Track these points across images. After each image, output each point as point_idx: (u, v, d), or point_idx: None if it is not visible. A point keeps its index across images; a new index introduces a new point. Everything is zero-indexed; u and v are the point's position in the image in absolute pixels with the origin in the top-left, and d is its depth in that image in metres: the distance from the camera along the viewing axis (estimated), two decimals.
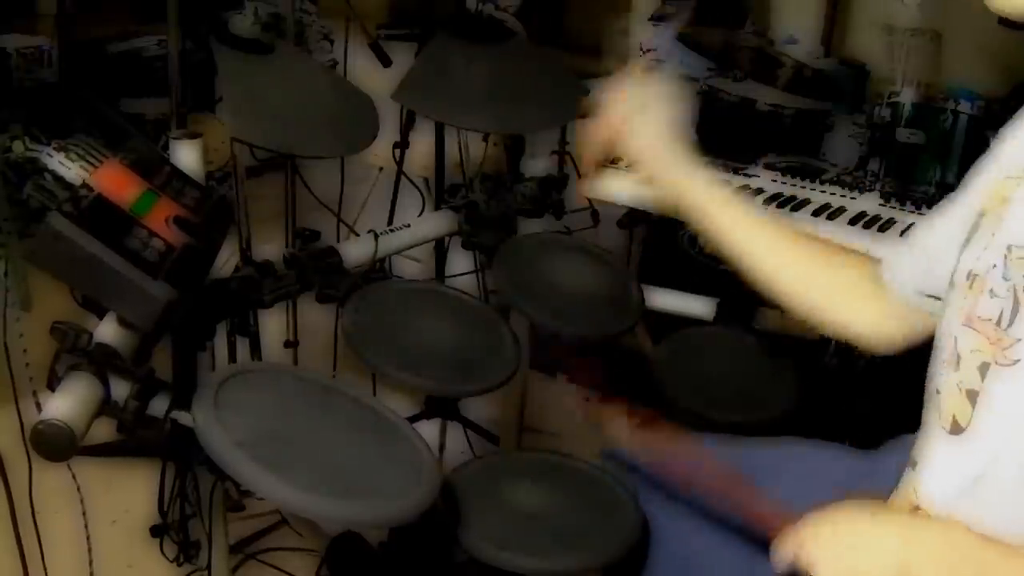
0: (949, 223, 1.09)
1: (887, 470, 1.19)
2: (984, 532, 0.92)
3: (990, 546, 0.89)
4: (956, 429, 0.96)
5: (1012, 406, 0.91)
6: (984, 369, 0.93)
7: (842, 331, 1.22)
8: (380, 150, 2.19)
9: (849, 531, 0.94)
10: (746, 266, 1.20)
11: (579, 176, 2.34)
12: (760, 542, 1.25)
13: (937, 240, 1.11)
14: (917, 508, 1.02)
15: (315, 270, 1.67)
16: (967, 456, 0.95)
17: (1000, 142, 1.09)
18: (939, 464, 0.99)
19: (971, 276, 1.00)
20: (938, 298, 1.08)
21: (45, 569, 1.76)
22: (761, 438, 1.42)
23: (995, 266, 0.95)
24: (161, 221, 1.33)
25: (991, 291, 0.95)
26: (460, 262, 2.58)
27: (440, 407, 2.54)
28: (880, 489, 1.16)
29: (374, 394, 1.89)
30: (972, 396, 0.95)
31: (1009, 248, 0.94)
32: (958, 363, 0.97)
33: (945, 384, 1.00)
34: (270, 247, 2.47)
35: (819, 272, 1.21)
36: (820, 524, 0.96)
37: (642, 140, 1.20)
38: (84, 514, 1.83)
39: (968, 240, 1.02)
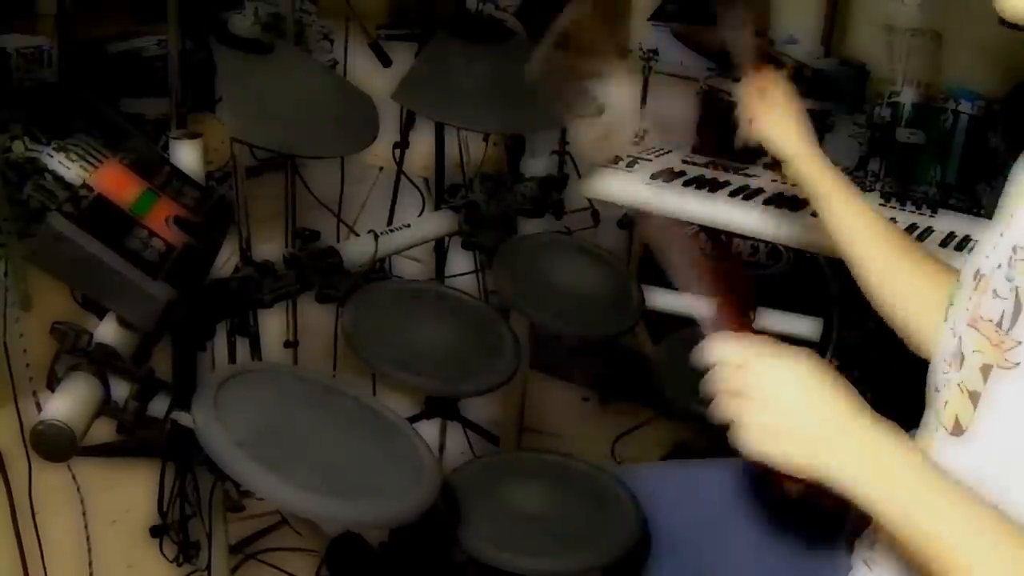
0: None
1: None
2: None
3: (933, 475, 0.82)
4: (957, 430, 0.96)
5: (1013, 409, 0.90)
6: (986, 371, 0.93)
7: (912, 341, 1.22)
8: (380, 150, 2.19)
9: (779, 385, 0.88)
10: (854, 260, 1.28)
11: (579, 176, 2.35)
12: (760, 542, 1.25)
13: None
14: None
15: (315, 270, 1.67)
16: (968, 458, 0.94)
17: None
18: (943, 465, 0.99)
19: (978, 275, 0.99)
20: None
21: (45, 569, 1.76)
22: None
23: (1000, 266, 0.95)
24: (161, 221, 1.33)
25: (994, 291, 0.95)
26: (460, 262, 2.58)
27: (440, 407, 2.54)
28: None
29: (374, 394, 1.89)
30: (974, 398, 0.94)
31: (1015, 249, 0.94)
32: (961, 363, 0.97)
33: (946, 384, 0.99)
34: (270, 247, 2.47)
35: (919, 284, 1.23)
36: (750, 359, 0.91)
37: (772, 123, 1.39)
38: (84, 514, 1.83)
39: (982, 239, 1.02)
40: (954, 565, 0.79)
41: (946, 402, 0.99)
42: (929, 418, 1.04)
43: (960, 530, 0.80)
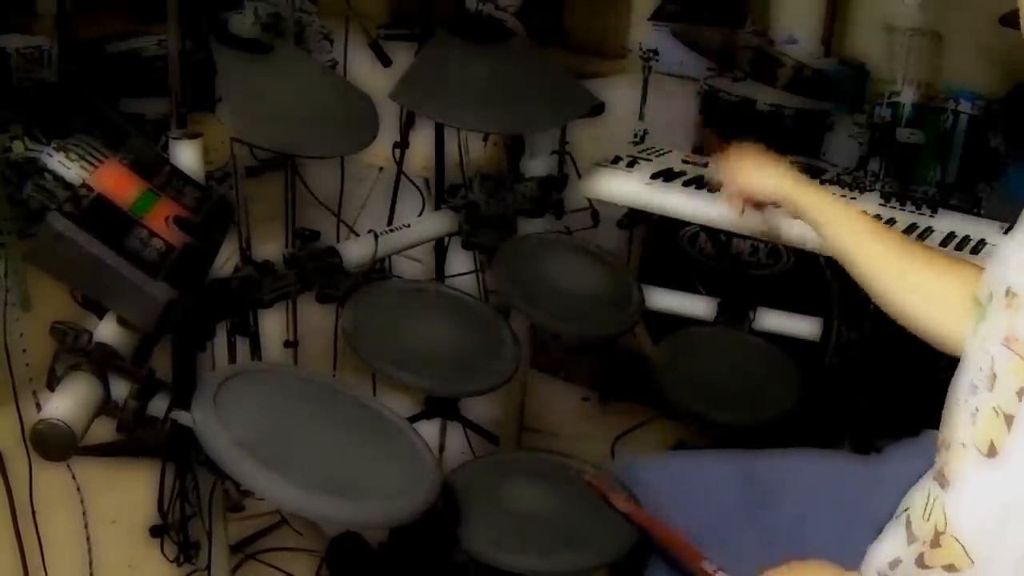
0: (1012, 240, 1.06)
1: (891, 477, 1.18)
2: (1011, 559, 0.90)
3: None
4: (992, 453, 0.94)
5: None
6: (1022, 394, 0.91)
7: (946, 344, 1.20)
8: (380, 150, 2.19)
9: None
10: (859, 272, 1.29)
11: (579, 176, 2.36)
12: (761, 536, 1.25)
13: (1002, 258, 1.07)
14: (942, 534, 0.99)
15: (315, 270, 1.67)
16: (1000, 481, 0.93)
17: None
18: (972, 488, 0.97)
19: (1010, 293, 0.97)
20: None
21: (45, 569, 1.76)
22: (767, 451, 1.41)
23: None
24: (161, 221, 1.33)
25: None
26: (460, 262, 2.58)
27: (440, 407, 2.54)
28: (885, 499, 1.15)
29: (374, 394, 1.89)
30: (1009, 420, 0.92)
31: None
32: (994, 383, 0.95)
33: (982, 404, 0.97)
34: (270, 247, 2.46)
35: (928, 284, 1.23)
36: None
37: (755, 184, 1.46)
38: (84, 514, 1.83)
39: (1011, 256, 1.01)
40: None
41: (976, 422, 0.97)
42: (958, 435, 1.01)
43: None
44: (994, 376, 0.95)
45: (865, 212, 1.37)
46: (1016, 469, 0.92)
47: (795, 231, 1.63)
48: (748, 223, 1.53)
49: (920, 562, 1.00)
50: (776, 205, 1.46)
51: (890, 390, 2.15)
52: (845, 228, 1.32)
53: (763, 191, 1.45)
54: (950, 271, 1.23)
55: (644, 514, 1.33)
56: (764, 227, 1.55)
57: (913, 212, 2.25)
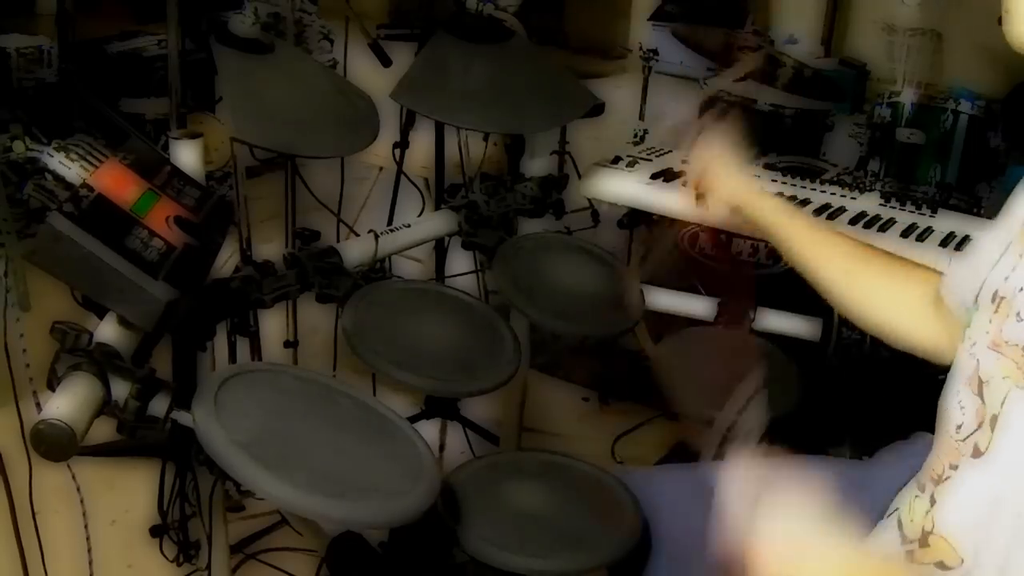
0: (991, 241, 1.06)
1: (882, 479, 1.18)
2: (998, 557, 0.91)
3: None
4: (976, 453, 0.95)
5: None
6: (1007, 395, 0.91)
7: (905, 344, 1.23)
8: (380, 150, 2.19)
9: (795, 554, 0.91)
10: (817, 280, 1.30)
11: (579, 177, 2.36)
12: None
13: (979, 258, 1.08)
14: (930, 533, 1.00)
15: (315, 270, 1.67)
16: (988, 480, 0.93)
17: None
18: (958, 488, 0.98)
19: (997, 298, 0.98)
20: None
21: (45, 569, 1.76)
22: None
23: (1022, 289, 0.93)
24: (161, 221, 1.33)
25: (1018, 314, 0.93)
26: (460, 262, 2.58)
27: (440, 407, 2.54)
28: (876, 501, 1.16)
29: (374, 394, 1.89)
30: (993, 422, 0.93)
31: None
32: (980, 385, 0.95)
33: (968, 405, 0.97)
34: (270, 247, 2.47)
35: (885, 288, 1.25)
36: (770, 541, 0.93)
37: (721, 176, 1.42)
38: (84, 514, 1.83)
39: (998, 259, 1.01)
40: None
41: (959, 425, 0.98)
42: (942, 436, 1.02)
43: None
44: (979, 379, 0.96)
45: (820, 221, 1.37)
46: (1001, 468, 0.92)
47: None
48: (706, 216, 1.48)
49: (911, 560, 1.01)
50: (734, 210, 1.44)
51: (890, 391, 2.15)
52: (801, 239, 1.33)
53: (724, 194, 1.43)
54: (909, 275, 1.25)
55: None
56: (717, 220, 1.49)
57: (913, 212, 2.25)
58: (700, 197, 1.46)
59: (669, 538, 1.35)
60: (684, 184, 1.48)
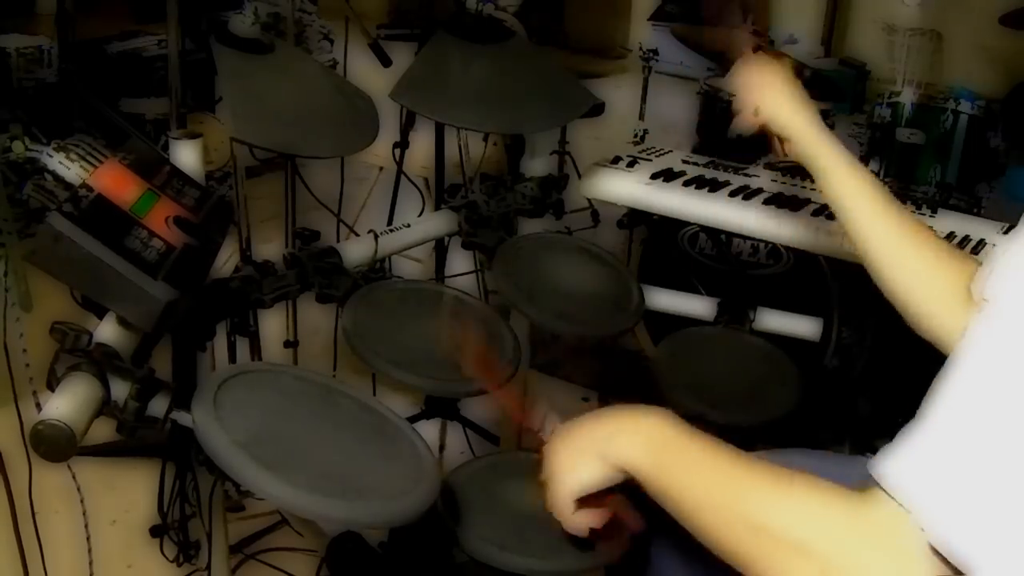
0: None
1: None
2: None
3: (692, 438, 0.94)
4: None
5: None
6: None
7: (926, 327, 1.21)
8: (380, 150, 2.19)
9: (568, 428, 1.07)
10: (851, 229, 1.29)
11: (578, 177, 2.36)
12: None
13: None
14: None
15: (315, 270, 1.67)
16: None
17: None
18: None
19: (984, 298, 0.98)
20: None
21: (45, 569, 1.76)
22: (756, 452, 1.41)
23: None
24: (161, 221, 1.32)
25: None
26: (460, 262, 2.58)
27: (440, 407, 2.54)
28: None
29: (374, 394, 1.89)
30: None
31: None
32: None
33: None
34: (270, 247, 2.47)
35: (928, 266, 1.22)
36: (558, 435, 1.09)
37: (769, 103, 1.38)
38: (84, 514, 1.83)
39: None
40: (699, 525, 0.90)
41: None
42: None
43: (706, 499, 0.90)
44: None
45: (871, 172, 1.33)
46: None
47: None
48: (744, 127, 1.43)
49: None
50: (781, 138, 1.39)
51: (890, 391, 2.15)
52: (850, 188, 1.30)
53: (775, 120, 1.38)
54: (949, 260, 1.22)
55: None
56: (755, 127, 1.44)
57: (913, 212, 2.25)
58: (751, 118, 1.41)
59: (668, 534, 1.35)
60: (736, 105, 1.43)
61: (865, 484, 0.81)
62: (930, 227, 1.30)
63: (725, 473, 0.90)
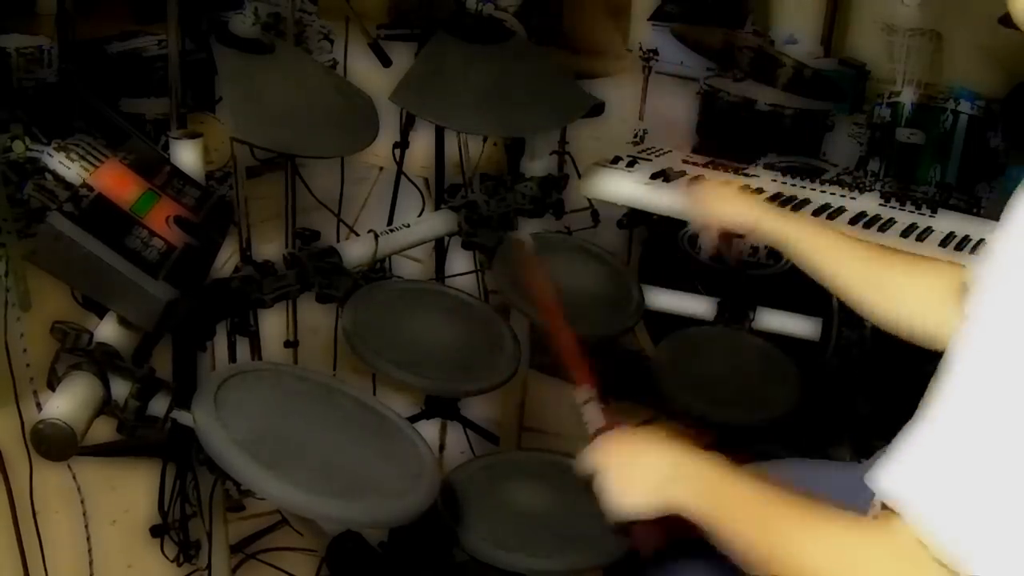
0: None
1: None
2: None
3: (738, 484, 1.01)
4: None
5: None
6: None
7: (932, 338, 1.23)
8: (380, 150, 2.19)
9: (631, 450, 1.15)
10: (836, 285, 1.36)
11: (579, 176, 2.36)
12: None
13: None
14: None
15: (315, 270, 1.67)
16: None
17: None
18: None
19: (967, 287, 0.99)
20: None
21: (45, 569, 1.76)
22: (753, 463, 1.42)
23: None
24: (161, 221, 1.33)
25: None
26: (460, 262, 2.59)
27: (440, 407, 2.54)
28: (867, 502, 1.16)
29: (374, 394, 1.89)
30: None
31: None
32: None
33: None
34: (270, 247, 2.47)
35: (910, 283, 1.28)
36: (611, 443, 1.20)
37: (723, 212, 1.50)
38: (84, 514, 1.83)
39: None
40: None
41: None
42: None
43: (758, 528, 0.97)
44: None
45: (836, 228, 1.46)
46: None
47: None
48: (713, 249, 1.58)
49: None
50: (741, 236, 1.50)
51: (890, 391, 2.15)
52: (821, 246, 1.37)
53: (735, 223, 1.48)
54: (929, 271, 1.28)
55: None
56: (729, 252, 1.60)
57: (913, 212, 2.25)
58: (713, 233, 1.53)
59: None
60: (695, 225, 1.58)
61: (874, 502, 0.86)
62: (899, 249, 1.41)
63: (770, 516, 0.97)
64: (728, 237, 1.53)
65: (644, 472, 1.11)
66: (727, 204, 1.50)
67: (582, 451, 1.21)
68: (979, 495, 0.77)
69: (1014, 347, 0.78)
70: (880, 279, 1.31)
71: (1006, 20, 0.97)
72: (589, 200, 2.87)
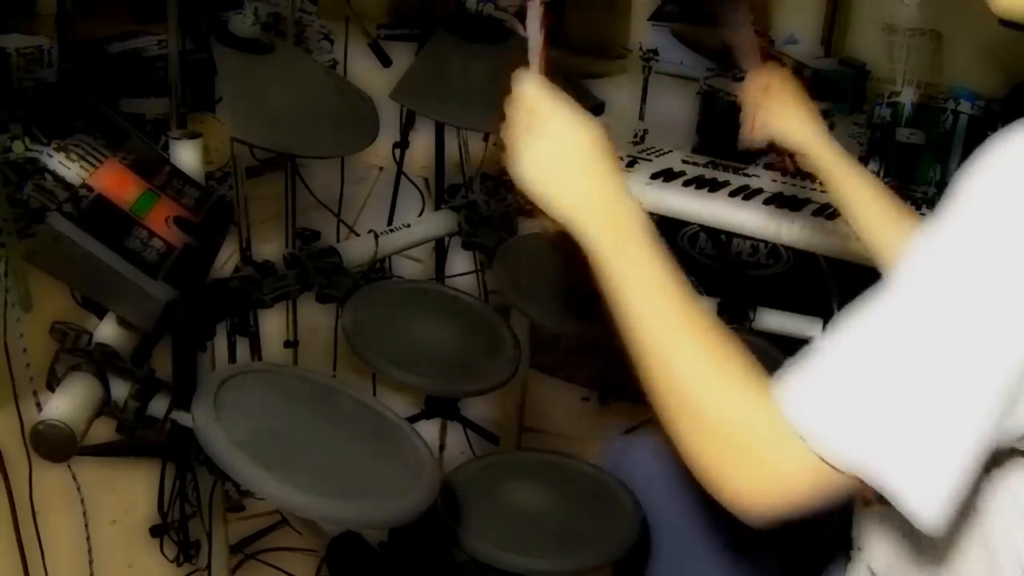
0: None
1: None
2: None
3: (659, 257, 0.93)
4: None
5: None
6: None
7: None
8: (380, 150, 2.19)
9: (551, 122, 1.01)
10: (858, 227, 1.35)
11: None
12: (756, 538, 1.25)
13: None
14: None
15: (315, 270, 1.67)
16: None
17: None
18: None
19: None
20: None
21: (45, 569, 1.76)
22: None
23: None
24: (161, 221, 1.33)
25: None
26: (460, 262, 2.58)
27: (440, 407, 2.54)
28: None
29: (374, 394, 1.89)
30: None
31: None
32: None
33: None
34: (270, 247, 2.47)
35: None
36: (538, 99, 1.06)
37: (778, 118, 1.41)
38: (84, 514, 1.83)
39: None
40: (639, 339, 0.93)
41: None
42: None
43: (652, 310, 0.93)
44: None
45: (875, 177, 1.39)
46: None
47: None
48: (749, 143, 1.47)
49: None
50: (791, 152, 1.43)
51: None
52: (861, 196, 1.35)
53: (785, 136, 1.41)
54: None
55: None
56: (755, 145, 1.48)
57: (913, 212, 2.25)
58: (755, 132, 1.44)
59: (668, 534, 1.35)
60: (743, 118, 1.46)
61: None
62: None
63: (677, 312, 0.93)
64: (776, 149, 1.44)
65: (568, 174, 0.95)
66: (782, 119, 1.41)
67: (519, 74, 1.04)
68: (881, 396, 0.76)
69: (938, 264, 0.79)
70: (900, 232, 1.31)
71: (1006, 21, 0.97)
72: None
